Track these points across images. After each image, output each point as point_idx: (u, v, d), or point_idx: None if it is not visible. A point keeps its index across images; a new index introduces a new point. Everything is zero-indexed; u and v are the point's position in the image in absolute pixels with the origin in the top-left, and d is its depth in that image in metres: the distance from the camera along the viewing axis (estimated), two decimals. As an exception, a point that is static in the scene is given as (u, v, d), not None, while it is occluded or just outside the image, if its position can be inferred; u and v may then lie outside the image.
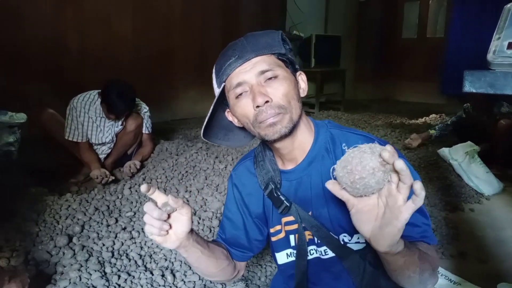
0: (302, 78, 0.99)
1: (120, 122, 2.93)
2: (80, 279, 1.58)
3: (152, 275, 1.66)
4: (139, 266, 1.72)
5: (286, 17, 6.16)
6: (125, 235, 1.92)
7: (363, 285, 0.96)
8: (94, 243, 1.86)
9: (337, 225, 0.95)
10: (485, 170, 2.90)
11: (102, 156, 2.98)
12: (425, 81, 7.08)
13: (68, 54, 3.93)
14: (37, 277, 1.53)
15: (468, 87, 0.86)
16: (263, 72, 0.89)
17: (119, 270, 1.68)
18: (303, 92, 0.98)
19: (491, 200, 2.75)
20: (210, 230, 2.05)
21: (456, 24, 6.48)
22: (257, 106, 0.88)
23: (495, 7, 5.13)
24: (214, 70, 0.97)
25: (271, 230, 1.09)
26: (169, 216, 0.83)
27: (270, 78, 0.89)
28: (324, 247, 1.00)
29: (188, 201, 2.36)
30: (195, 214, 2.21)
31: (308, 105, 6.00)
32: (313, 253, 1.03)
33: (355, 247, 0.96)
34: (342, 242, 0.96)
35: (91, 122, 2.83)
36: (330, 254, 1.00)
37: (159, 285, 1.61)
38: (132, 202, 2.33)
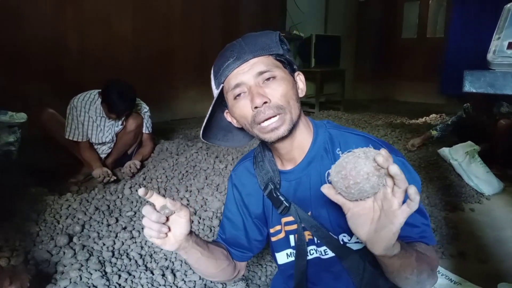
0: (300, 78, 0.99)
1: (120, 122, 2.93)
2: (81, 279, 1.58)
3: (153, 274, 1.66)
4: (139, 266, 1.72)
5: (286, 17, 6.16)
6: (126, 235, 1.92)
7: (363, 285, 0.96)
8: (95, 242, 1.86)
9: (336, 225, 0.95)
10: (485, 170, 2.90)
11: (102, 156, 2.98)
12: (425, 81, 7.08)
13: (68, 54, 3.94)
14: (37, 276, 1.53)
15: (468, 87, 0.86)
16: (261, 73, 0.89)
17: (119, 270, 1.68)
18: (302, 93, 0.98)
19: (491, 200, 2.75)
20: (211, 230, 2.06)
21: (456, 24, 6.48)
22: (256, 107, 0.88)
23: (495, 7, 5.14)
24: (212, 71, 0.97)
25: (271, 230, 1.09)
26: (167, 219, 0.84)
27: (268, 79, 0.90)
28: (324, 247, 1.00)
29: (188, 200, 2.36)
30: (195, 213, 2.21)
31: (308, 105, 6.00)
32: (313, 253, 1.04)
33: (354, 247, 0.96)
34: (341, 242, 0.97)
35: (91, 122, 2.84)
36: (330, 254, 1.00)
37: (160, 285, 1.61)
38: (132, 202, 2.33)
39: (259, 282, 1.74)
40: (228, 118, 1.00)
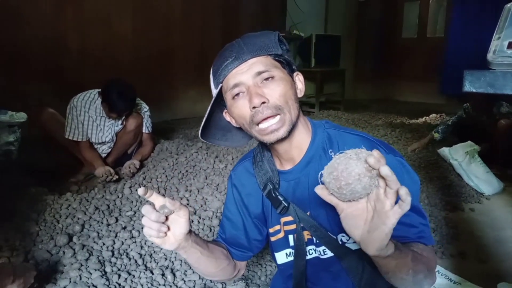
0: (299, 78, 0.99)
1: (120, 122, 2.93)
2: (81, 278, 1.58)
3: (152, 274, 1.66)
4: (139, 265, 1.72)
5: (286, 17, 6.16)
6: (125, 234, 1.92)
7: (362, 284, 0.96)
8: (94, 242, 1.86)
9: (335, 225, 0.95)
10: (485, 169, 2.90)
11: (102, 156, 2.98)
12: (425, 81, 7.08)
13: (68, 54, 3.94)
14: (37, 276, 1.53)
15: (468, 87, 0.86)
16: (259, 73, 0.89)
17: (119, 269, 1.68)
18: (300, 93, 0.99)
19: (491, 200, 2.75)
20: (210, 230, 2.06)
21: (456, 24, 6.48)
22: (254, 107, 0.88)
23: (495, 7, 5.14)
24: (211, 71, 0.97)
25: (270, 230, 1.09)
26: (167, 218, 0.84)
27: (266, 79, 0.90)
28: (323, 247, 1.00)
29: (188, 200, 2.36)
30: (195, 213, 2.21)
31: (308, 105, 6.00)
32: (312, 253, 1.04)
33: (353, 246, 0.96)
34: (340, 242, 0.97)
35: (91, 121, 2.84)
36: (329, 254, 1.00)
37: (159, 284, 1.61)
38: (132, 202, 2.33)
39: (259, 282, 1.74)
40: (227, 118, 1.00)
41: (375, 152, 0.65)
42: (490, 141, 3.25)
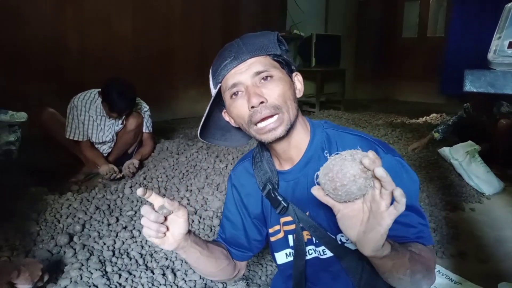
0: (298, 78, 0.99)
1: (120, 121, 2.93)
2: (81, 278, 1.58)
3: (153, 274, 1.66)
4: (140, 265, 1.72)
5: (286, 17, 6.16)
6: (126, 234, 1.92)
7: (362, 284, 0.96)
8: (95, 242, 1.86)
9: (334, 225, 0.95)
10: (486, 169, 2.90)
11: (102, 156, 2.99)
12: (425, 80, 7.07)
13: (68, 54, 3.94)
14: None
15: (468, 87, 0.86)
16: (258, 73, 0.90)
17: (120, 269, 1.68)
18: (299, 93, 0.99)
19: (492, 199, 2.75)
20: (211, 229, 2.06)
21: (456, 23, 6.48)
22: (252, 107, 0.88)
23: (495, 6, 5.13)
24: (211, 71, 0.97)
25: (270, 230, 1.09)
26: (166, 219, 0.85)
27: (265, 79, 0.90)
28: (322, 247, 1.00)
29: (189, 200, 2.36)
30: (195, 213, 2.22)
31: (308, 105, 6.00)
32: (311, 253, 1.04)
33: (352, 246, 0.96)
34: (339, 242, 0.97)
35: (91, 121, 2.84)
36: (329, 254, 1.00)
37: (160, 284, 1.61)
38: (133, 201, 2.34)
39: (260, 282, 1.74)
40: (226, 117, 1.01)
41: (370, 153, 0.66)
42: (490, 141, 3.25)
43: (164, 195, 2.45)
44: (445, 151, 3.14)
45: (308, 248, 1.03)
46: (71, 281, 1.57)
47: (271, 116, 0.89)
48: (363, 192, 0.67)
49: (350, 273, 0.97)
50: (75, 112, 2.79)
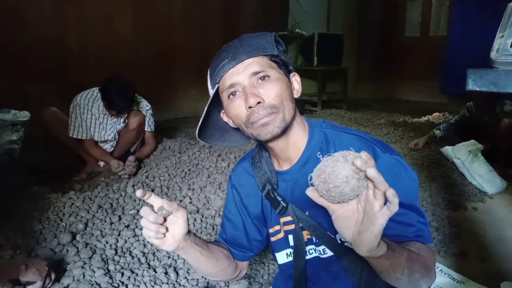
0: (295, 79, 1.00)
1: (122, 120, 2.94)
2: (84, 277, 1.59)
3: (155, 272, 1.67)
4: (142, 264, 1.73)
5: (288, 16, 6.15)
6: (129, 233, 1.93)
7: (361, 284, 0.96)
8: (98, 240, 1.87)
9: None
10: (489, 168, 2.89)
11: (105, 155, 2.99)
12: (428, 79, 7.05)
13: (68, 54, 3.94)
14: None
15: (471, 85, 0.86)
16: (255, 73, 0.90)
17: (122, 268, 1.69)
18: (297, 93, 0.99)
19: (494, 199, 2.74)
20: (213, 228, 2.06)
21: (458, 22, 6.45)
22: (249, 107, 0.89)
23: (498, 5, 5.11)
24: (208, 72, 0.98)
25: (270, 231, 1.10)
26: (165, 220, 0.85)
27: (262, 79, 0.91)
28: (323, 246, 1.00)
29: (191, 199, 2.37)
30: (198, 212, 2.22)
31: (310, 104, 5.99)
32: (312, 253, 1.04)
33: None
34: (339, 241, 0.97)
35: (94, 119, 2.85)
36: (329, 253, 1.00)
37: (162, 283, 1.62)
38: (135, 200, 2.34)
39: (262, 281, 1.75)
40: (225, 118, 1.01)
41: (363, 154, 0.66)
42: (492, 140, 3.24)
43: (166, 194, 2.46)
44: (448, 150, 3.13)
45: (308, 247, 1.03)
46: (73, 280, 1.57)
47: (268, 116, 0.90)
48: (357, 192, 0.68)
49: (350, 273, 0.97)
50: (78, 110, 2.79)
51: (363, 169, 0.64)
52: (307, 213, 0.99)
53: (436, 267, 1.84)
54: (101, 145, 2.97)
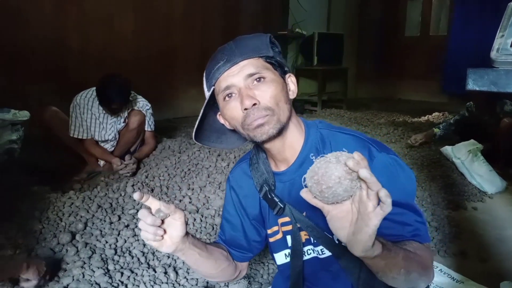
0: (291, 80, 1.00)
1: (122, 119, 2.94)
2: (83, 276, 1.59)
3: (155, 272, 1.67)
4: (142, 263, 1.73)
5: (288, 15, 6.15)
6: (128, 233, 1.93)
7: (360, 284, 0.96)
8: (97, 240, 1.87)
9: None
10: (488, 168, 2.89)
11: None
12: (428, 79, 7.04)
13: (69, 54, 3.94)
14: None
15: (471, 85, 0.86)
16: (250, 75, 0.90)
17: (122, 267, 1.69)
18: (293, 94, 0.99)
19: (494, 198, 2.74)
20: (213, 228, 2.06)
21: (458, 22, 6.45)
22: (245, 109, 0.89)
23: (498, 4, 5.11)
24: (204, 74, 0.98)
25: (269, 231, 1.10)
26: (163, 222, 0.86)
27: (258, 81, 0.91)
28: (321, 247, 1.00)
29: (190, 198, 2.37)
30: (197, 211, 2.22)
31: (310, 103, 5.99)
32: (310, 253, 1.04)
33: None
34: (337, 241, 0.97)
35: (94, 119, 2.85)
36: (327, 253, 1.00)
37: (162, 282, 1.61)
38: (135, 200, 2.34)
39: (261, 280, 1.75)
40: (221, 120, 1.01)
41: (355, 155, 0.66)
42: (492, 140, 3.24)
43: (166, 194, 2.46)
44: (448, 150, 3.13)
45: (306, 248, 1.03)
46: (73, 279, 1.57)
47: (263, 117, 0.90)
48: (350, 193, 0.68)
49: (348, 273, 0.97)
50: (78, 110, 2.79)
51: (356, 170, 0.64)
52: (304, 213, 0.99)
53: (436, 267, 1.85)
54: (102, 144, 2.98)
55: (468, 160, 2.93)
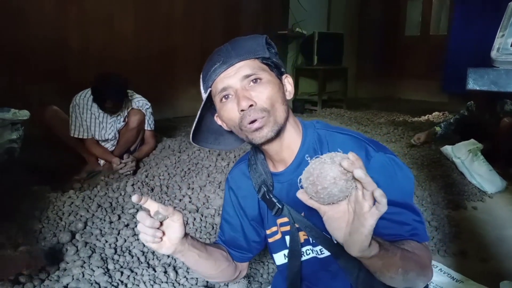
0: (288, 81, 1.00)
1: (122, 119, 2.94)
2: (83, 276, 1.59)
3: (155, 271, 1.67)
4: (141, 263, 1.73)
5: (288, 15, 6.15)
6: (128, 232, 1.93)
7: (359, 283, 0.96)
8: (97, 239, 1.87)
9: None
10: (488, 168, 2.89)
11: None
12: (428, 79, 7.04)
13: (69, 54, 3.93)
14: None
15: (471, 85, 0.86)
16: (246, 76, 0.91)
17: (122, 267, 1.69)
18: (289, 95, 1.00)
19: (494, 198, 2.74)
20: (213, 227, 2.06)
21: (459, 21, 6.44)
22: (242, 110, 0.89)
23: (498, 4, 5.10)
24: (201, 76, 0.99)
25: (268, 232, 1.10)
26: (161, 224, 0.86)
27: (254, 82, 0.91)
28: (320, 247, 1.00)
29: (190, 198, 2.37)
30: (197, 211, 2.22)
31: (310, 103, 5.99)
32: (309, 253, 1.04)
33: None
34: (335, 241, 0.97)
35: (93, 119, 2.85)
36: (326, 253, 1.00)
37: (162, 282, 1.61)
38: (134, 199, 2.34)
39: (261, 280, 1.75)
40: (219, 121, 1.02)
41: (350, 155, 0.66)
42: (492, 139, 3.24)
43: (166, 193, 2.46)
44: (448, 149, 3.13)
45: (305, 248, 1.04)
46: (73, 279, 1.57)
47: (260, 118, 0.90)
48: (346, 193, 0.68)
49: (347, 272, 0.97)
50: (77, 110, 2.80)
51: (350, 170, 0.64)
52: (302, 214, 0.99)
53: (435, 266, 1.85)
54: (102, 144, 2.98)
55: (468, 160, 2.92)
